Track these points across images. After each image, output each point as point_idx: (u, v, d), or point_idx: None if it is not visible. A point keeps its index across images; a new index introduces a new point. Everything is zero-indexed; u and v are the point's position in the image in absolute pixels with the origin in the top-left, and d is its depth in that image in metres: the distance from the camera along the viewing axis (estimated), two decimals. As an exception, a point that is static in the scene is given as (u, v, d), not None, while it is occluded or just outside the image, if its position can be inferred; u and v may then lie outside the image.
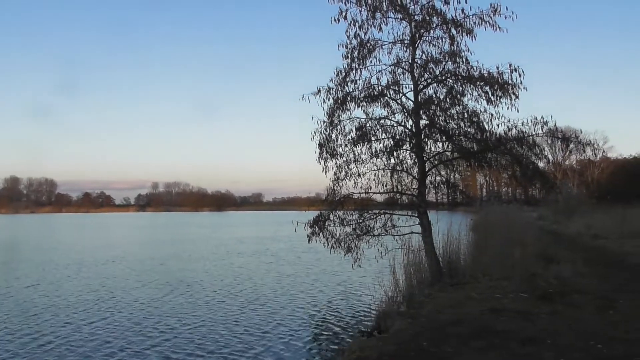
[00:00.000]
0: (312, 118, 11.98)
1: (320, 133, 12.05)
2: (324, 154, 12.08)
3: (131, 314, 11.85)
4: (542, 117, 10.91)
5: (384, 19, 11.65)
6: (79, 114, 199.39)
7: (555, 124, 10.93)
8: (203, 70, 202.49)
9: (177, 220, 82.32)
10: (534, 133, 11.07)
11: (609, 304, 7.68)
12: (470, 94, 11.35)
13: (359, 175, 12.17)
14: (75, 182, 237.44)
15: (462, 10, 11.12)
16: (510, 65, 10.78)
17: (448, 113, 11.51)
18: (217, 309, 12.26)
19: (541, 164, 12.74)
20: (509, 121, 11.08)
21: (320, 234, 12.16)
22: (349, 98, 11.80)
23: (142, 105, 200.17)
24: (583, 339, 5.83)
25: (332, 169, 12.18)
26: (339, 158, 12.15)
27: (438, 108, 11.59)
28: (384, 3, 11.48)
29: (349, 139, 12.01)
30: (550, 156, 37.66)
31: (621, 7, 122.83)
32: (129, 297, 13.81)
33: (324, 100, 11.89)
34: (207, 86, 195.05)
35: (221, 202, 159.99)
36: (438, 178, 12.67)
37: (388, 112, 12.04)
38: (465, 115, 11.34)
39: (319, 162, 12.12)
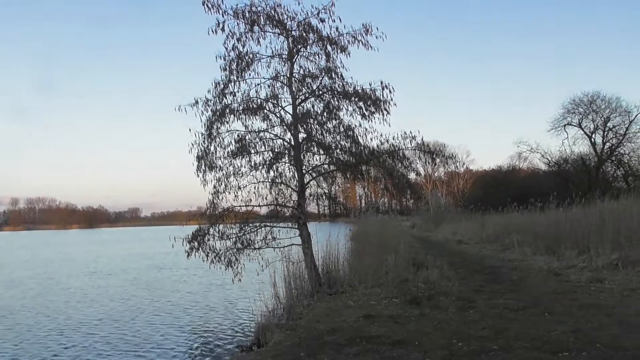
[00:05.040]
0: (190, 130, 11.74)
1: (199, 145, 11.85)
2: (203, 166, 11.87)
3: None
4: (410, 132, 11.71)
5: (262, 33, 11.81)
6: None
7: (422, 138, 11.77)
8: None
9: (44, 239, 74.76)
10: (403, 147, 11.82)
11: (469, 305, 8.38)
12: (345, 109, 11.91)
13: (240, 188, 12.11)
14: None
15: (337, 29, 11.65)
16: (381, 82, 11.46)
17: (325, 127, 11.91)
18: (95, 326, 11.78)
19: (413, 176, 13.64)
20: (381, 135, 11.74)
21: (200, 249, 11.86)
22: (227, 110, 11.72)
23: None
24: (446, 338, 6.30)
25: (212, 182, 12.01)
26: (218, 171, 12.01)
27: (315, 122, 11.95)
28: (261, 17, 11.62)
29: (228, 152, 11.94)
30: (421, 168, 40.38)
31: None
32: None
33: (202, 112, 11.74)
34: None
35: (93, 218, 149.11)
36: (319, 190, 13.03)
37: (267, 125, 12.18)
38: (341, 129, 11.82)
39: (197, 175, 11.90)
